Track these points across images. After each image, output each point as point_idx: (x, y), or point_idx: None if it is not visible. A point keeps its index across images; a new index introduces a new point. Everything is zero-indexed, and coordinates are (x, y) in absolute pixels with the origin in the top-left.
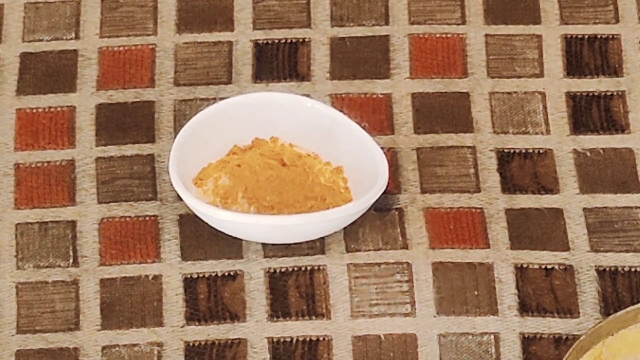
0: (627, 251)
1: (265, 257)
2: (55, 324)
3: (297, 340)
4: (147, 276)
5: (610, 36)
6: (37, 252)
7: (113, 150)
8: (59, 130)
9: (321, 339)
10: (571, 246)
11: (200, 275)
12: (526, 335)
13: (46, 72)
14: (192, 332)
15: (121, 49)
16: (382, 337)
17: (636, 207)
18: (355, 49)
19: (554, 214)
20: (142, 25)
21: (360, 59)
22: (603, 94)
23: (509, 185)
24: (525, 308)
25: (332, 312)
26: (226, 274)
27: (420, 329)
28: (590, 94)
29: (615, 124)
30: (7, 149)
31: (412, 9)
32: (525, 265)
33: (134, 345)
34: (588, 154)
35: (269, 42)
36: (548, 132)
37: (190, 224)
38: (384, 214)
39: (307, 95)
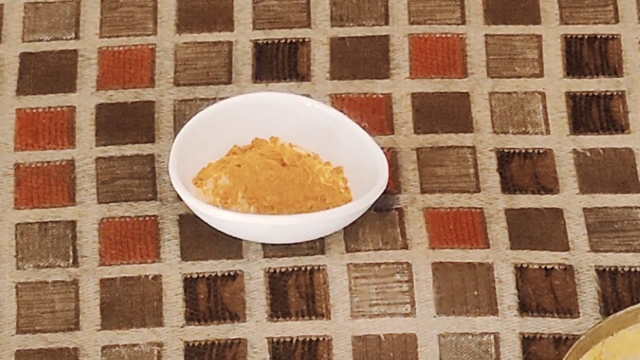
0: (627, 251)
1: (265, 257)
2: (55, 324)
3: (297, 340)
4: (147, 276)
5: (610, 36)
6: (37, 252)
7: (113, 150)
8: (59, 130)
9: (321, 339)
10: (571, 246)
11: (200, 275)
12: (526, 335)
13: (46, 72)
14: (192, 332)
15: (121, 49)
16: (382, 337)
17: (636, 207)
18: (355, 49)
19: (554, 214)
20: (142, 25)
21: (360, 59)
22: (603, 94)
23: (508, 185)
24: (525, 308)
25: (332, 312)
26: (226, 274)
27: (420, 329)
28: (590, 94)
29: (615, 124)
30: (7, 149)
31: (412, 9)
32: (525, 265)
33: (134, 345)
34: (588, 154)
35: (269, 42)
36: (548, 132)
37: (190, 224)
38: (384, 214)
39: (307, 95)
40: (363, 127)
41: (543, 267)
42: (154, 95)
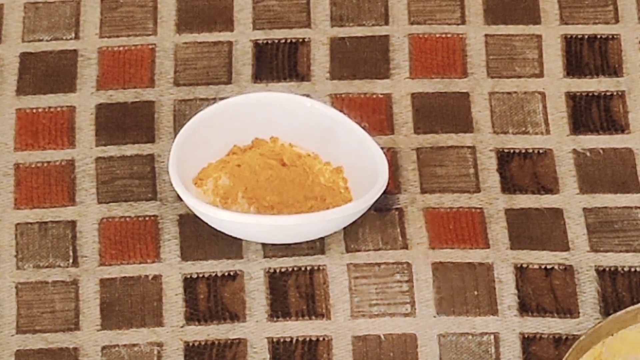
0: (627, 251)
1: (265, 257)
2: (55, 324)
3: (297, 340)
4: (147, 276)
5: (610, 36)
6: (37, 252)
7: (113, 150)
8: (58, 130)
9: (321, 339)
10: (571, 246)
11: (200, 275)
12: (526, 335)
13: (46, 72)
14: (192, 332)
15: (121, 49)
16: (382, 337)
17: (636, 207)
18: (355, 49)
19: (554, 214)
20: (142, 25)
21: (360, 59)
22: (603, 94)
23: (508, 185)
24: (525, 308)
25: (332, 312)
26: (226, 274)
27: (420, 329)
28: (590, 94)
29: (615, 124)
30: (7, 149)
31: (412, 9)
32: (525, 265)
33: (134, 345)
34: (588, 154)
35: (269, 42)
36: (548, 132)
37: (190, 224)
38: (384, 214)
39: (307, 95)
40: (363, 127)
41: (543, 267)
42: (154, 95)
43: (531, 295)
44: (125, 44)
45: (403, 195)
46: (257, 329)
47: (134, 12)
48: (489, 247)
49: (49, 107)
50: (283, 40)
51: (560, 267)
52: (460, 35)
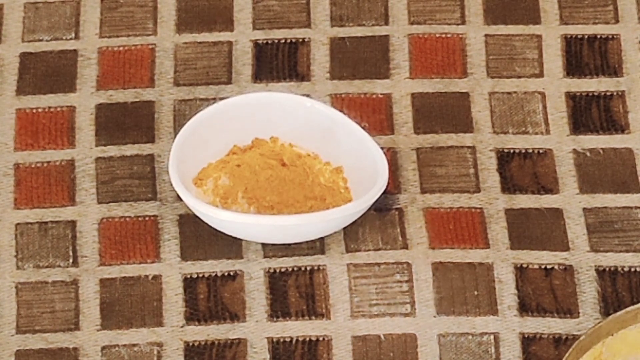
0: (627, 251)
1: (265, 257)
2: (55, 324)
3: (297, 340)
4: (146, 276)
5: (610, 36)
6: (37, 252)
7: (113, 150)
8: (58, 130)
9: (321, 339)
10: (571, 246)
11: (200, 275)
12: (526, 335)
13: (46, 72)
14: (192, 332)
15: (121, 49)
16: (382, 337)
17: (636, 207)
18: (355, 49)
19: (554, 214)
20: (142, 25)
21: (360, 59)
22: (603, 94)
23: (508, 185)
24: (525, 308)
25: (332, 312)
26: (226, 274)
27: (420, 329)
28: (590, 94)
29: (615, 124)
30: (7, 149)
31: (411, 9)
32: (525, 265)
33: (134, 345)
34: (588, 154)
35: (269, 42)
36: (548, 132)
37: (190, 224)
38: (384, 214)
39: (307, 95)
40: (363, 127)
41: (543, 267)
42: (154, 95)
43: (531, 295)
44: (125, 44)
45: (403, 195)
46: (257, 329)
47: (134, 12)
48: (489, 247)
49: (49, 107)
50: (283, 40)
51: (560, 267)
52: (460, 35)
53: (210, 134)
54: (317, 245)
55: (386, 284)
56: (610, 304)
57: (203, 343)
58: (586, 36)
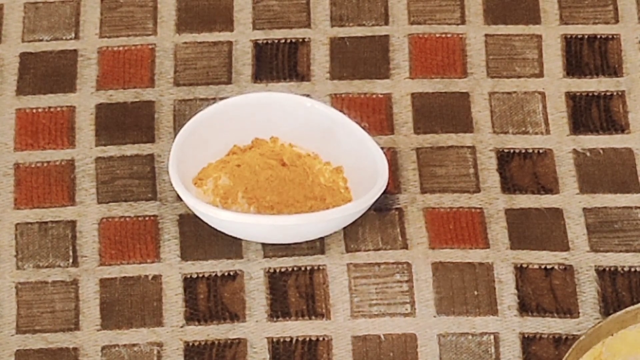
0: (627, 251)
1: (265, 257)
2: (55, 324)
3: (297, 340)
4: (146, 276)
5: (610, 36)
6: (37, 252)
7: (113, 150)
8: (58, 130)
9: (321, 339)
10: (571, 246)
11: (200, 275)
12: (526, 335)
13: (46, 72)
14: (192, 332)
15: (121, 49)
16: (382, 337)
17: (636, 207)
18: (355, 49)
19: (554, 214)
20: (142, 25)
21: (360, 59)
22: (603, 94)
23: (508, 185)
24: (525, 308)
25: (332, 312)
26: (226, 274)
27: (420, 329)
28: (590, 94)
29: (615, 124)
30: (7, 149)
31: (411, 9)
32: (525, 265)
33: (134, 345)
34: (588, 154)
35: (269, 42)
36: (548, 132)
37: (190, 224)
38: (383, 214)
39: (307, 95)
40: (363, 127)
41: (543, 267)
42: (154, 95)
43: (531, 295)
44: (125, 44)
45: (403, 195)
46: (257, 329)
47: (134, 12)
48: (489, 247)
49: (49, 107)
50: (283, 40)
51: (560, 267)
52: (460, 35)
53: (210, 134)
54: (317, 245)
55: (386, 284)
56: (610, 304)
57: (203, 343)
58: (586, 36)
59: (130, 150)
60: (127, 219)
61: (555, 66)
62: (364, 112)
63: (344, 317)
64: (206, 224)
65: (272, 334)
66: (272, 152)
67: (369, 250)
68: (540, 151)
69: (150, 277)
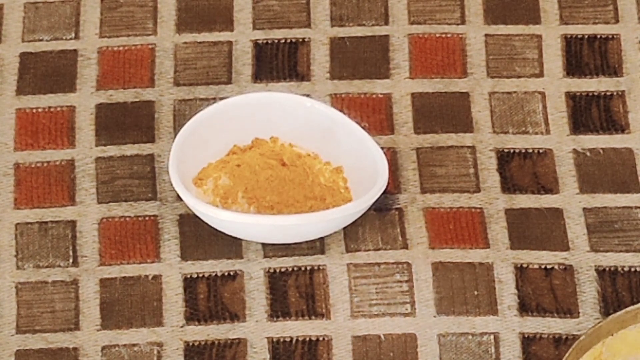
0: (627, 251)
1: (265, 257)
2: (55, 324)
3: (297, 340)
4: (146, 276)
5: (610, 36)
6: (37, 252)
7: (113, 150)
8: (58, 130)
9: (321, 338)
10: (571, 246)
11: (200, 275)
12: (526, 335)
13: (46, 72)
14: (192, 332)
15: (121, 49)
16: (382, 337)
17: (636, 207)
18: (355, 49)
19: (554, 214)
20: (142, 25)
21: (360, 59)
22: (603, 94)
23: (508, 185)
24: (525, 308)
25: (332, 312)
26: (226, 274)
27: (420, 329)
28: (590, 94)
29: (615, 124)
30: (7, 149)
31: (411, 9)
32: (525, 265)
33: (134, 345)
34: (588, 153)
35: (269, 42)
36: (548, 132)
37: (190, 224)
38: (383, 214)
39: (307, 95)
40: (363, 127)
41: (543, 267)
42: (154, 95)
43: (531, 295)
44: (125, 44)
45: (403, 195)
46: (257, 328)
47: (134, 12)
48: (489, 247)
49: (49, 107)
50: (283, 40)
51: (560, 267)
52: (460, 35)
53: (210, 134)
54: (317, 245)
55: (386, 284)
56: (610, 304)
57: (203, 343)
58: (586, 36)
59: (130, 150)
60: (127, 219)
61: (555, 66)
62: (364, 112)
63: (344, 317)
64: (206, 224)
65: (272, 334)
66: (272, 152)
67: (369, 250)
68: (540, 151)
69: (150, 277)
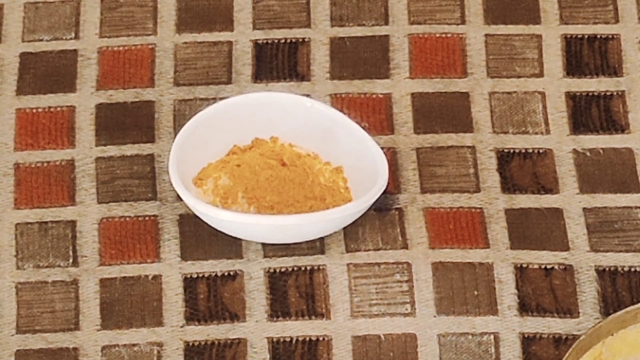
0: (627, 251)
1: (265, 257)
2: (55, 324)
3: (297, 340)
4: (146, 276)
5: (610, 36)
6: (37, 252)
7: (113, 150)
8: (58, 130)
9: (321, 338)
10: (571, 246)
11: (200, 275)
12: (526, 335)
13: (46, 72)
14: (192, 332)
15: (121, 49)
16: (382, 337)
17: (636, 207)
18: (355, 49)
19: (554, 213)
20: (142, 25)
21: (360, 59)
22: (603, 94)
23: (508, 185)
24: (525, 308)
25: (332, 312)
26: (226, 274)
27: (420, 329)
28: (590, 94)
29: (615, 124)
30: (7, 149)
31: (411, 9)
32: (525, 265)
33: (134, 345)
34: (588, 154)
35: (269, 42)
36: (548, 132)
37: (190, 224)
38: (383, 214)
39: (307, 95)
40: (363, 127)
41: (543, 267)
42: (154, 95)
43: (531, 295)
44: (125, 44)
45: (403, 195)
46: (257, 328)
47: (134, 12)
48: (489, 247)
49: (49, 107)
50: (283, 40)
51: (560, 267)
52: (460, 35)
53: (210, 134)
54: (317, 245)
55: (386, 284)
56: (610, 304)
57: (203, 343)
58: (586, 36)
59: (130, 150)
60: (127, 219)
61: (555, 66)
62: (364, 112)
63: (344, 317)
64: (206, 224)
65: (272, 334)
66: (272, 152)
67: (369, 250)
68: (540, 151)
69: (150, 277)
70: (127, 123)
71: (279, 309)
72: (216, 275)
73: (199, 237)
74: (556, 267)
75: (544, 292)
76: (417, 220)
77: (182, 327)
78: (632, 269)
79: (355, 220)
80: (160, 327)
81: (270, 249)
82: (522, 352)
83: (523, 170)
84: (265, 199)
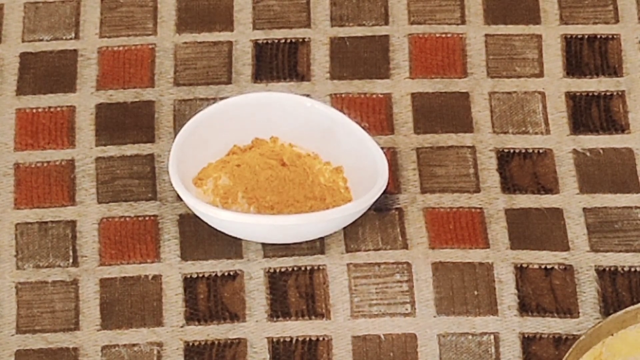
0: (627, 251)
1: (265, 257)
2: (55, 324)
3: (297, 340)
4: (146, 276)
5: (610, 36)
6: (36, 252)
7: (113, 150)
8: (58, 130)
9: (321, 339)
10: (571, 246)
11: (200, 275)
12: (526, 335)
13: (46, 72)
14: (192, 332)
15: (121, 49)
16: (382, 337)
17: (636, 207)
18: (355, 49)
19: (554, 213)
20: (142, 25)
21: (360, 59)
22: (603, 94)
23: (508, 185)
24: (525, 308)
25: (332, 312)
26: (226, 274)
27: (420, 329)
28: (590, 94)
29: (615, 124)
30: (7, 149)
31: (412, 9)
32: (525, 265)
33: (134, 345)
34: (588, 153)
35: (269, 42)
36: (548, 132)
37: (190, 224)
38: (383, 214)
39: (307, 95)
40: (363, 127)
41: (543, 267)
42: (154, 95)
43: (531, 295)
44: (125, 44)
45: (403, 195)
46: (257, 328)
47: (134, 12)
48: (489, 247)
49: (49, 107)
50: (283, 40)
51: (560, 267)
52: (460, 35)
53: (210, 134)
54: (317, 245)
55: (386, 284)
56: (610, 304)
57: (203, 343)
58: (586, 36)
59: (130, 150)
60: (127, 219)
61: (555, 66)
62: (364, 112)
63: (344, 317)
64: (206, 224)
65: (272, 334)
66: (272, 152)
67: (369, 250)
68: (540, 151)
69: (150, 277)
70: (127, 123)
71: (279, 309)
72: (216, 275)
73: (199, 237)
74: (556, 267)
75: (544, 292)
76: (417, 220)
77: (182, 327)
78: (632, 269)
79: (355, 220)
80: (160, 327)
81: (270, 249)
82: (522, 352)
83: (523, 170)
84: (265, 199)
